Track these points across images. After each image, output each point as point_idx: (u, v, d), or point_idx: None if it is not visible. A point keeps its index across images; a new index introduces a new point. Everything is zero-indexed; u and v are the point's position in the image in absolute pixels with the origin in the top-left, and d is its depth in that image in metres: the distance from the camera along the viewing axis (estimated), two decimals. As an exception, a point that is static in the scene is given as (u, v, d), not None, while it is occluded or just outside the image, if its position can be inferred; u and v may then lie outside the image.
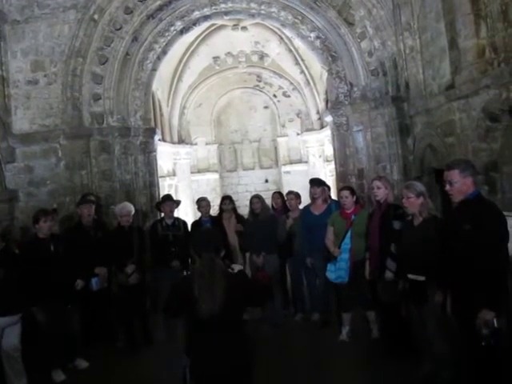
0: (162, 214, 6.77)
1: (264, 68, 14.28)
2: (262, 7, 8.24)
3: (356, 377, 4.87)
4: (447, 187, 3.71)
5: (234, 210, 7.08)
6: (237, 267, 3.32)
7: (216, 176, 15.40)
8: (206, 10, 8.29)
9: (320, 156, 14.31)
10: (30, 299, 4.93)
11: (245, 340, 3.21)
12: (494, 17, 5.02)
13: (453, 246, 3.65)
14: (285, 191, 8.37)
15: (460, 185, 3.62)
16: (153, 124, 9.63)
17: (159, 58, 8.64)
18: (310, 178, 7.07)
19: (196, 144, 15.35)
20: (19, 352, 4.83)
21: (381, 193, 5.08)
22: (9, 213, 7.31)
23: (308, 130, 14.65)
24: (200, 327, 3.08)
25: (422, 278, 4.10)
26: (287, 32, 9.88)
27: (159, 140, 9.56)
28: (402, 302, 4.63)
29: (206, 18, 8.59)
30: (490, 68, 5.05)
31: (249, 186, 15.48)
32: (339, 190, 6.16)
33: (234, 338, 3.12)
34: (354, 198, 5.72)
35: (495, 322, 3.34)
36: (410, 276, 4.18)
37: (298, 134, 15.15)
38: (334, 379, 4.75)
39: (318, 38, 8.22)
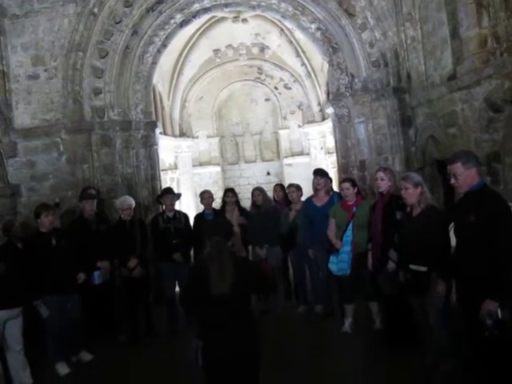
0: (164, 207, 6.78)
1: (265, 60, 14.20)
2: (262, -1, 8.20)
3: (358, 367, 4.89)
4: (452, 181, 3.70)
5: (237, 202, 7.08)
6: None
7: (218, 169, 15.39)
8: (205, 2, 8.24)
9: (322, 148, 14.27)
10: (32, 293, 4.95)
11: (253, 326, 3.31)
12: (496, 6, 4.98)
13: (458, 236, 3.66)
14: (287, 183, 8.36)
15: (464, 177, 3.62)
16: (154, 117, 9.62)
17: (159, 51, 8.61)
18: (314, 168, 7.05)
19: (197, 137, 15.32)
20: (22, 345, 4.86)
21: (384, 184, 5.08)
22: (11, 207, 7.33)
23: (309, 122, 14.59)
24: (212, 309, 3.17)
25: (423, 269, 4.11)
26: (288, 24, 9.82)
27: (160, 133, 9.54)
28: (403, 292, 4.64)
29: (205, 10, 8.54)
30: (493, 58, 5.02)
31: (251, 178, 15.46)
32: (340, 182, 6.16)
33: (244, 323, 3.22)
34: (356, 189, 5.71)
35: (499, 313, 3.34)
36: (412, 266, 4.19)
37: (299, 126, 15.10)
38: (337, 370, 4.76)
39: (318, 29, 8.17)
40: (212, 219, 6.29)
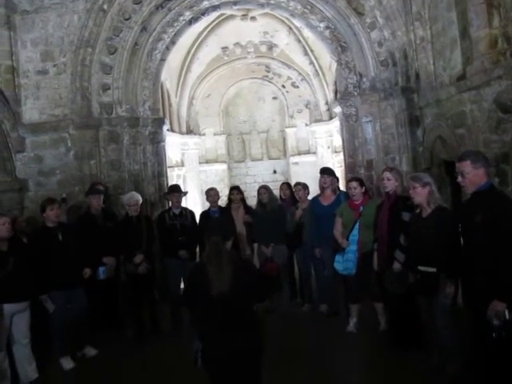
0: (170, 204, 6.79)
1: (273, 58, 14.19)
2: (272, -3, 8.19)
3: (363, 367, 4.89)
4: (459, 179, 3.69)
5: (243, 200, 7.08)
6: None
7: (224, 166, 15.39)
8: (214, -1, 8.25)
9: (328, 147, 14.24)
10: (38, 287, 4.97)
11: (256, 325, 3.29)
12: (507, 6, 4.95)
13: (465, 237, 3.64)
14: (293, 182, 8.35)
15: (472, 176, 3.61)
16: (161, 114, 9.63)
17: (168, 48, 8.63)
18: (321, 167, 7.04)
19: (204, 134, 15.32)
20: (28, 339, 4.89)
21: (390, 184, 5.06)
22: (19, 202, 7.37)
23: (317, 120, 14.57)
24: (212, 309, 3.17)
25: (432, 270, 4.09)
26: (296, 22, 9.81)
27: (168, 130, 9.55)
28: (411, 293, 4.62)
29: (214, 7, 8.54)
30: (503, 58, 4.99)
31: (257, 176, 15.45)
32: (348, 181, 6.15)
33: (245, 322, 3.21)
34: (363, 189, 5.70)
35: (506, 314, 3.33)
36: (421, 268, 4.17)
37: (306, 125, 15.08)
38: (341, 369, 4.76)
39: (327, 28, 8.16)
40: (216, 217, 6.30)
